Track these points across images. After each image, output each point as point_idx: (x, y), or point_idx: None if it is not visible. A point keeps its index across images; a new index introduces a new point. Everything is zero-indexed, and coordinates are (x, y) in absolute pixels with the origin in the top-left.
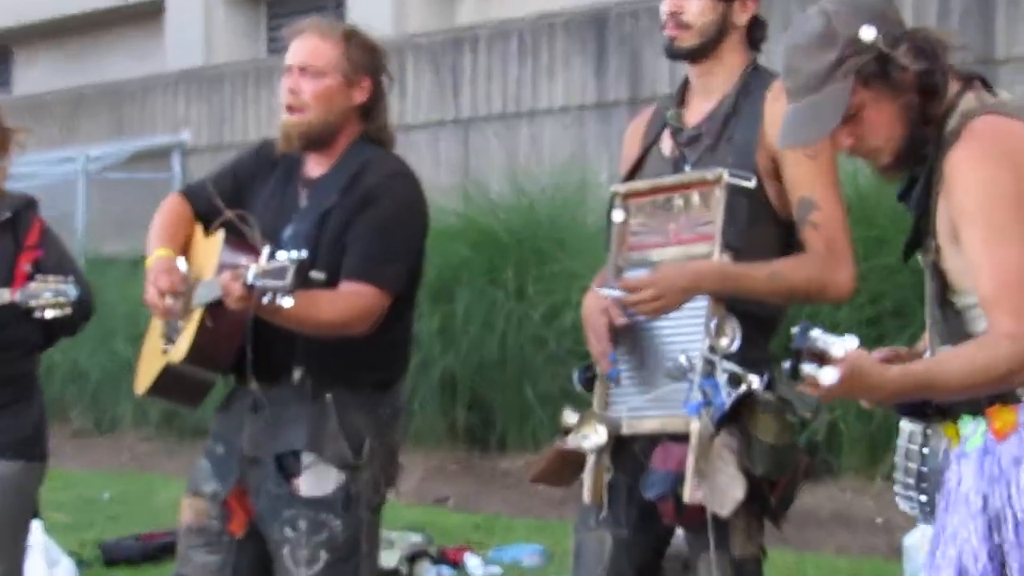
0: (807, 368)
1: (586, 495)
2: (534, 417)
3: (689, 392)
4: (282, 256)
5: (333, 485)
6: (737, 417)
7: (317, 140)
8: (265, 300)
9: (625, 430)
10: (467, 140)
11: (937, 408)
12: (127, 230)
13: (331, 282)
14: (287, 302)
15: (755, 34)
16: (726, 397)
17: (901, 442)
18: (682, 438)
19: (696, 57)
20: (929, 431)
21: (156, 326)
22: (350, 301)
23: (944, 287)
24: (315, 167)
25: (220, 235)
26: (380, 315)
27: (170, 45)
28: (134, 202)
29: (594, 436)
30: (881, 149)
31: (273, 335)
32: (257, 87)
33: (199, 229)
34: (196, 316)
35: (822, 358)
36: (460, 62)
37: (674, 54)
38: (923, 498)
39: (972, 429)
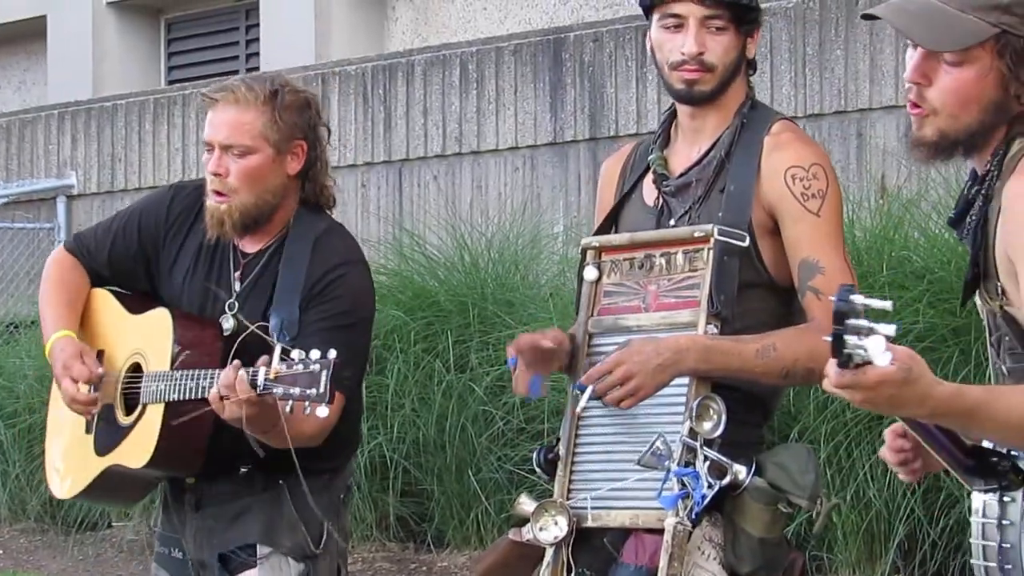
0: (856, 342)
1: None
2: (477, 507)
3: (664, 482)
4: (297, 355)
5: None
6: (721, 505)
7: (253, 223)
8: (288, 409)
9: (590, 522)
10: (400, 184)
11: (1015, 469)
12: (4, 288)
13: None
14: (322, 411)
15: (752, 63)
16: (706, 489)
17: (974, 519)
18: (657, 530)
19: (709, 102)
20: (1007, 498)
21: (61, 409)
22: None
23: (1021, 335)
24: (250, 241)
25: (165, 316)
26: (336, 421)
27: (53, 73)
28: (12, 256)
29: (553, 528)
30: (938, 116)
31: (221, 430)
32: (154, 123)
33: (103, 296)
34: (156, 414)
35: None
36: (393, 93)
37: (693, 100)
38: None
39: None
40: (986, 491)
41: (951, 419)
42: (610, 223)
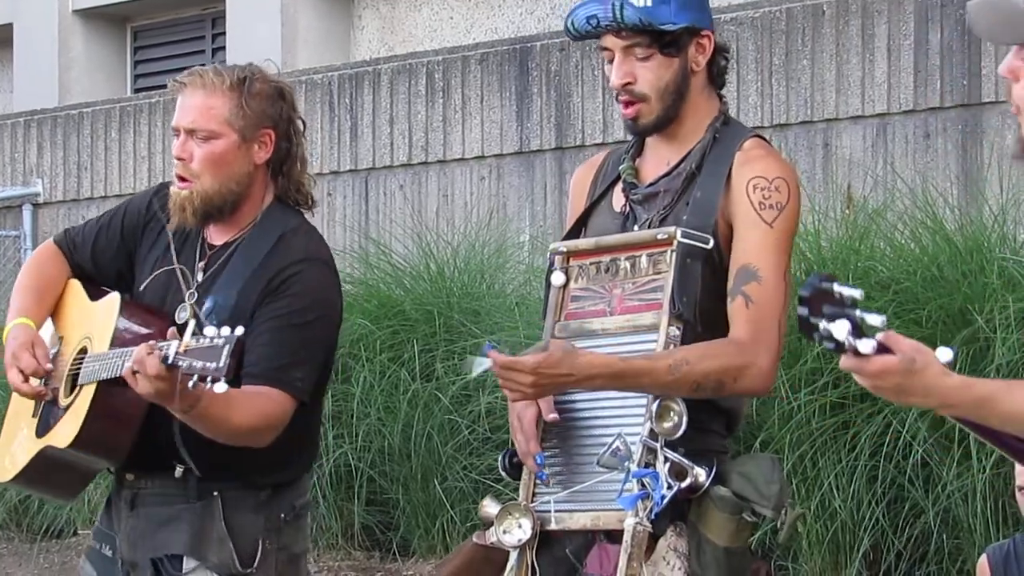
0: (824, 325)
1: None
2: (443, 516)
3: (624, 483)
4: (210, 332)
5: None
6: (686, 514)
7: (216, 212)
8: (191, 384)
9: (553, 525)
10: (367, 193)
11: None
12: None
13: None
14: (220, 387)
15: (717, 67)
16: (666, 490)
17: None
18: (620, 537)
19: (664, 126)
20: None
21: (19, 398)
22: (261, 407)
23: None
24: (218, 232)
25: (115, 299)
26: (285, 423)
27: (19, 81)
28: None
29: (517, 531)
30: (1020, 115)
31: (156, 425)
32: (120, 131)
33: (75, 286)
34: (88, 394)
35: (855, 327)
36: (359, 102)
37: (639, 133)
38: None
39: None
40: None
41: (960, 410)
42: (579, 228)
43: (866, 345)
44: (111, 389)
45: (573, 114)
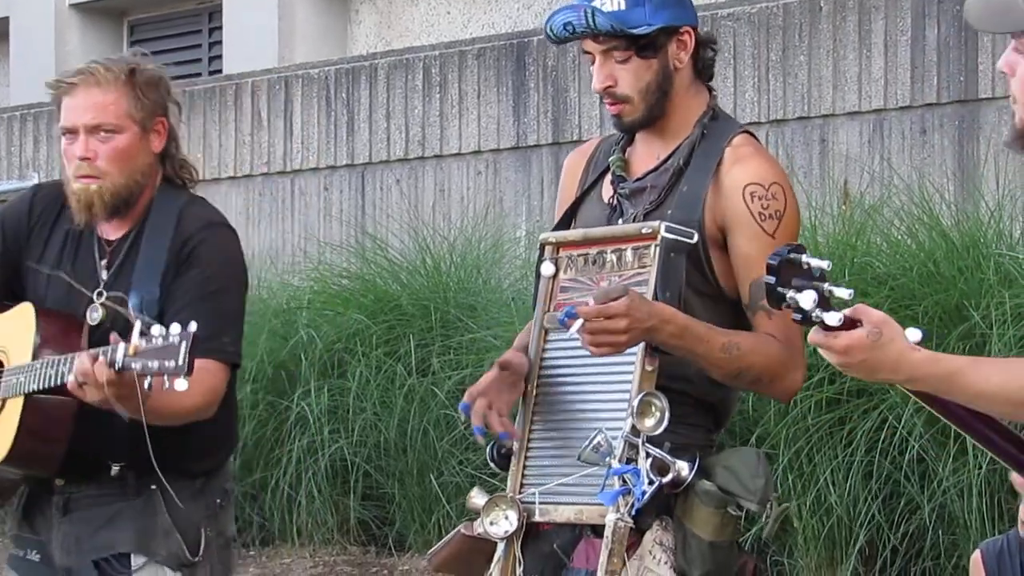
0: (791, 294)
1: None
2: (439, 511)
3: (606, 478)
4: (157, 331)
5: None
6: (672, 508)
7: (123, 205)
8: (147, 385)
9: (538, 516)
10: (363, 188)
11: None
12: None
13: None
14: (181, 384)
15: (703, 61)
16: (647, 486)
17: None
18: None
19: (651, 123)
20: None
21: None
22: (207, 383)
23: None
24: (111, 227)
25: (28, 309)
26: (224, 390)
27: (15, 75)
28: None
29: (503, 522)
30: (1018, 106)
31: (87, 427)
32: None
33: None
34: (15, 408)
35: (822, 298)
36: (356, 97)
37: (626, 131)
38: None
39: None
40: None
41: (928, 384)
42: (569, 218)
43: (832, 317)
44: (39, 401)
45: (570, 109)
